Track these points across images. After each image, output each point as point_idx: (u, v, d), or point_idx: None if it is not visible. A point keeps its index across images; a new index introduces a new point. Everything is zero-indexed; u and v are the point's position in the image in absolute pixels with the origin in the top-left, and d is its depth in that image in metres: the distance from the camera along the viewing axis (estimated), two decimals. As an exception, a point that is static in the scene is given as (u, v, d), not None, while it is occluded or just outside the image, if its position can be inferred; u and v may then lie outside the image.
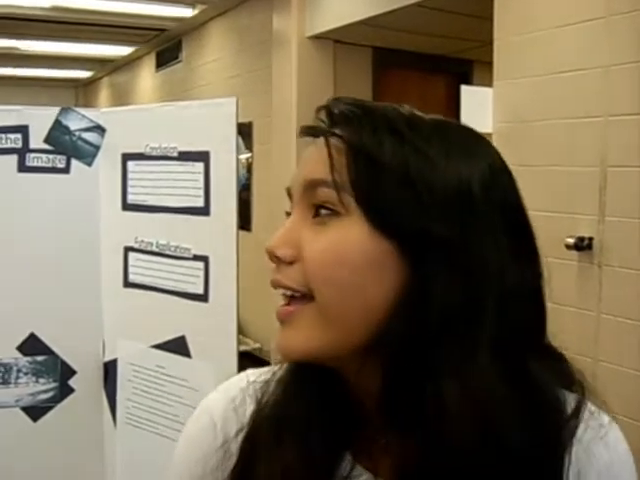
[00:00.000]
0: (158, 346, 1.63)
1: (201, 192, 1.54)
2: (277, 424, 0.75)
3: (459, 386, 0.64)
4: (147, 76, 8.74)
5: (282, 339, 0.69)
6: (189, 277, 1.57)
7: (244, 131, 6.37)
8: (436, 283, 0.65)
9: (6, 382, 1.64)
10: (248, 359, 6.22)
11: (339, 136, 0.69)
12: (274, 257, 0.70)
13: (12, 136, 1.61)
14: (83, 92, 10.99)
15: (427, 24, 4.91)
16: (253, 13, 6.08)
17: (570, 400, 0.69)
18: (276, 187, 5.67)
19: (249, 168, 6.40)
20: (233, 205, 1.51)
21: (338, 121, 0.71)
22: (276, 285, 0.70)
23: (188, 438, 0.79)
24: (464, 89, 4.51)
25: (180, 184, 1.58)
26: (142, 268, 1.66)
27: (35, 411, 1.66)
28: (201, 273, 1.56)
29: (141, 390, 1.66)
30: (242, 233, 5.46)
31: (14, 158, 1.62)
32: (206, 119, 1.54)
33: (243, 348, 6.38)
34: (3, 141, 1.61)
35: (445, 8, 4.59)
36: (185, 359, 1.59)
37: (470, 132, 0.75)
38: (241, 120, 5.03)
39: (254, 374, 0.79)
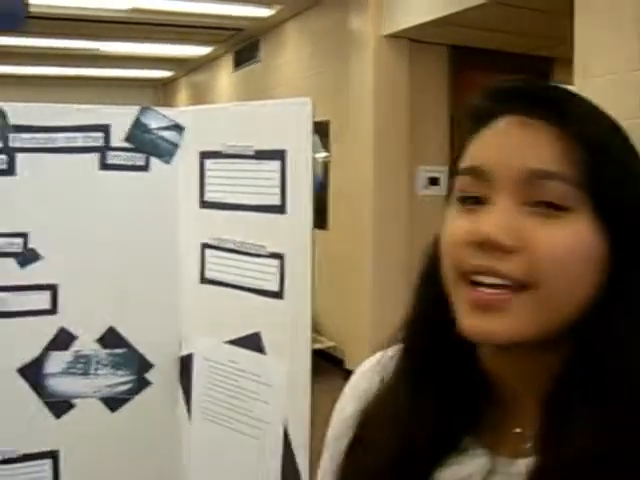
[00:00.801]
0: (232, 342, 1.65)
1: (277, 190, 1.55)
2: (388, 402, 0.80)
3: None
4: (225, 76, 8.86)
5: (489, 325, 0.68)
6: (265, 274, 1.59)
7: (320, 130, 6.40)
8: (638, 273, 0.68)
9: (86, 373, 1.68)
10: (322, 357, 6.25)
11: (571, 125, 0.67)
12: (491, 244, 0.67)
13: (93, 135, 1.65)
14: (163, 92, 11.20)
15: (504, 21, 4.84)
16: (329, 13, 6.10)
17: None
18: (354, 186, 5.69)
19: (326, 167, 6.42)
20: (309, 203, 1.52)
21: (552, 105, 0.69)
22: (493, 273, 0.68)
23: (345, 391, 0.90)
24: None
25: (256, 182, 1.59)
26: (218, 265, 1.68)
27: (113, 402, 1.70)
28: (276, 270, 1.57)
29: (215, 385, 1.68)
30: (318, 232, 5.48)
31: (96, 156, 1.66)
32: (282, 118, 1.56)
33: (317, 346, 6.40)
34: (85, 140, 1.65)
35: (523, 5, 4.52)
36: (260, 355, 1.61)
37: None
38: (318, 119, 5.06)
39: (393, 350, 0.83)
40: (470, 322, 0.69)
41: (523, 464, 0.70)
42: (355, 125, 5.65)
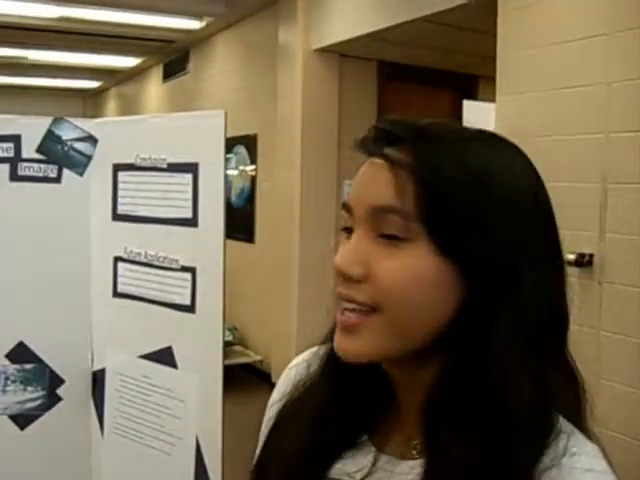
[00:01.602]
0: (145, 356, 1.64)
1: (189, 203, 1.55)
2: (305, 396, 0.89)
3: (506, 386, 0.71)
4: (154, 87, 8.80)
5: (347, 345, 0.77)
6: (177, 288, 1.58)
7: (249, 143, 6.40)
8: (492, 296, 0.73)
9: (-6, 390, 1.64)
10: (249, 371, 6.22)
11: (405, 164, 0.74)
12: (343, 274, 0.76)
13: (4, 145, 1.62)
14: (91, 102, 11.05)
15: (432, 38, 4.93)
16: (259, 26, 6.12)
17: (556, 424, 0.73)
18: (280, 199, 5.69)
19: (253, 180, 6.42)
20: (221, 217, 1.51)
21: (393, 143, 0.76)
22: (347, 300, 0.76)
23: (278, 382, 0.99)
24: (466, 104, 4.53)
25: (169, 195, 1.58)
26: (131, 278, 1.66)
27: (22, 419, 1.67)
28: (188, 284, 1.56)
29: (128, 400, 1.66)
30: (245, 245, 5.46)
31: (6, 167, 1.63)
32: (195, 131, 1.56)
33: (243, 360, 6.37)
34: (-5, 150, 1.62)
35: (451, 23, 4.60)
36: (171, 370, 1.60)
37: (506, 140, 0.82)
38: (246, 132, 5.05)
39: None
40: (336, 341, 0.79)
41: (407, 465, 0.78)
42: (283, 138, 5.67)
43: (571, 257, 2.96)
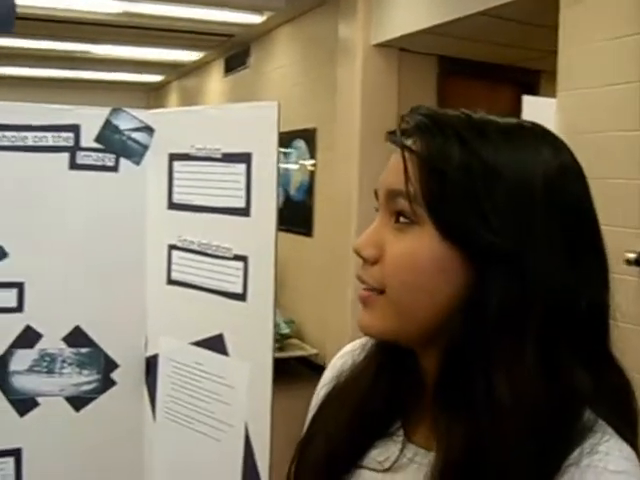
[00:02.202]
0: (197, 343, 1.66)
1: (242, 193, 1.56)
2: (349, 384, 0.93)
3: (506, 379, 0.71)
4: (215, 81, 8.89)
5: (362, 319, 0.84)
6: (229, 276, 1.60)
7: (308, 137, 6.42)
8: (494, 284, 0.74)
9: (51, 372, 1.68)
10: (305, 364, 6.24)
11: (410, 148, 0.78)
12: (359, 256, 0.82)
13: (64, 134, 1.66)
14: (154, 96, 11.22)
15: (492, 33, 4.88)
16: (319, 21, 6.13)
17: (588, 420, 0.73)
18: (339, 194, 5.70)
19: (312, 174, 6.44)
20: (273, 207, 1.53)
21: (412, 132, 0.80)
22: (359, 280, 0.83)
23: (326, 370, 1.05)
24: (526, 99, 4.47)
25: (223, 185, 1.60)
26: (184, 266, 1.69)
27: (78, 401, 1.71)
28: (240, 273, 1.58)
29: (179, 386, 1.69)
30: (303, 239, 5.51)
31: (66, 156, 1.67)
32: (249, 121, 1.57)
33: (300, 353, 6.40)
34: (56, 139, 1.66)
35: (511, 17, 4.55)
36: (222, 357, 1.62)
37: (544, 133, 0.82)
38: (305, 126, 5.11)
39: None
40: (358, 315, 0.86)
41: (430, 456, 0.80)
42: (342, 133, 5.68)
43: (631, 256, 2.91)
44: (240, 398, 1.59)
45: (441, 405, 0.77)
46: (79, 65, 8.90)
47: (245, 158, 1.56)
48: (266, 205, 1.54)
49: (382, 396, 0.88)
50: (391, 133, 0.83)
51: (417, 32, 5.00)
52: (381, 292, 0.80)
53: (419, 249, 0.76)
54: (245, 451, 1.56)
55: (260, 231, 1.55)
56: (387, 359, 0.89)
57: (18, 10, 4.14)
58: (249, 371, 1.58)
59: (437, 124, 0.78)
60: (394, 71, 5.55)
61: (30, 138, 1.64)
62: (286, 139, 6.56)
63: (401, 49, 5.51)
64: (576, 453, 0.70)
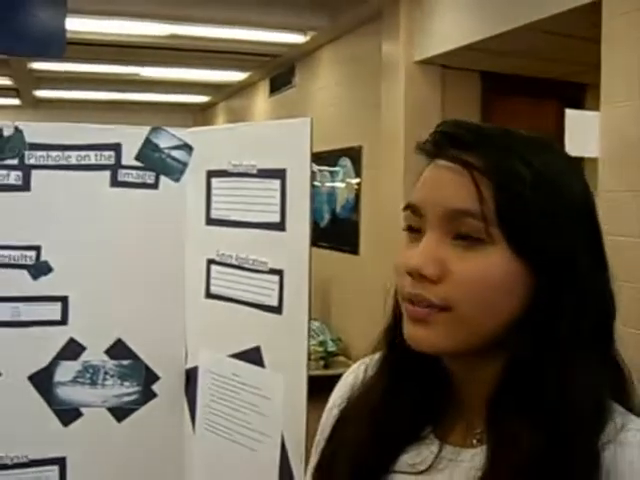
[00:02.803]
0: (235, 355, 1.70)
1: (278, 208, 1.60)
2: (366, 394, 0.93)
3: (576, 380, 0.76)
4: (261, 101, 8.98)
5: (416, 335, 0.81)
6: (265, 289, 1.64)
7: (353, 156, 6.45)
8: (560, 293, 0.77)
9: (94, 383, 1.74)
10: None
11: (481, 168, 0.77)
12: (417, 274, 0.78)
13: (106, 153, 1.72)
14: (201, 116, 11.37)
15: (535, 47, 4.86)
16: (363, 39, 6.17)
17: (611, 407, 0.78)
18: (385, 211, 5.72)
19: (358, 192, 6.47)
20: (307, 221, 1.56)
21: (467, 148, 0.79)
22: (419, 300, 0.79)
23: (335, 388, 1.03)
24: (568, 113, 4.44)
25: (258, 200, 1.64)
26: (222, 280, 1.73)
27: (120, 412, 1.75)
28: (276, 286, 1.61)
29: (218, 397, 1.73)
30: (350, 257, 5.50)
31: (107, 174, 1.73)
32: (283, 138, 1.61)
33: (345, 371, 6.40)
34: (98, 157, 1.72)
35: (555, 30, 4.53)
36: (259, 369, 1.65)
37: (553, 144, 0.86)
38: (351, 144, 5.11)
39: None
40: (407, 332, 0.82)
41: (468, 453, 0.83)
42: (387, 150, 5.70)
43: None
44: (276, 409, 1.62)
45: (509, 409, 0.79)
46: (128, 87, 9.10)
47: (280, 174, 1.60)
48: (300, 219, 1.58)
49: (408, 403, 0.89)
50: (428, 144, 0.83)
51: (459, 48, 5.00)
52: (443, 309, 0.79)
53: (492, 267, 0.77)
54: (281, 460, 1.59)
55: (295, 245, 1.59)
56: (406, 367, 0.90)
57: (68, 35, 4.26)
58: (284, 382, 1.61)
59: (489, 138, 0.80)
60: (437, 88, 5.55)
61: (73, 157, 1.71)
62: (332, 158, 6.61)
63: (444, 66, 5.52)
64: (609, 433, 0.75)
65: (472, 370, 0.84)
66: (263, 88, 8.80)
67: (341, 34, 6.42)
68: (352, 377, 1.01)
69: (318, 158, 6.59)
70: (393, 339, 0.92)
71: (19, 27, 3.62)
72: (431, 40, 5.27)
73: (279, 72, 8.09)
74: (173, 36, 6.46)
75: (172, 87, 9.22)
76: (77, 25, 5.60)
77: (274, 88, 8.39)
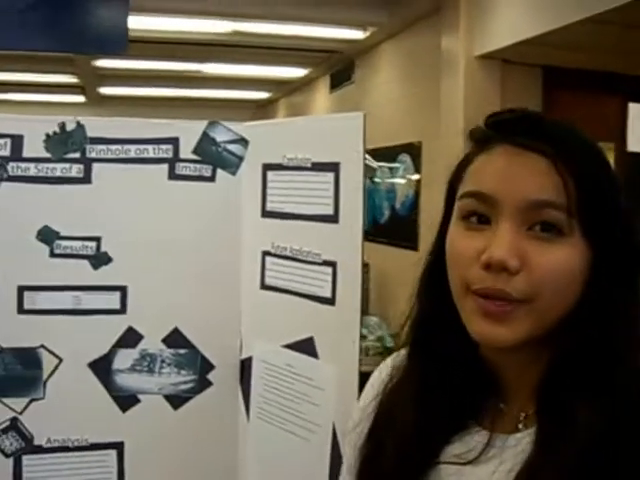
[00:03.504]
0: (289, 346, 1.72)
1: (331, 201, 1.62)
2: (402, 390, 0.93)
3: (630, 369, 0.76)
4: (322, 97, 9.00)
5: (492, 332, 0.79)
6: (318, 281, 1.66)
7: (413, 152, 6.43)
8: (618, 277, 0.79)
9: (151, 371, 1.78)
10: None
11: (566, 159, 0.77)
12: (501, 266, 0.77)
13: (164, 147, 1.77)
14: (262, 112, 11.45)
15: (598, 40, 4.77)
16: (422, 34, 6.15)
17: None
18: (442, 208, 5.68)
19: (417, 188, 6.44)
20: (359, 213, 1.58)
21: (542, 137, 0.79)
22: (500, 295, 0.78)
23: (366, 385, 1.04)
24: (631, 106, 4.36)
25: (312, 193, 1.67)
26: (277, 272, 1.76)
27: (176, 400, 1.80)
28: (329, 278, 1.63)
29: (271, 387, 1.76)
30: (408, 252, 5.50)
31: (165, 167, 1.77)
32: (337, 132, 1.63)
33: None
34: (156, 151, 1.76)
35: (619, 22, 4.44)
36: (312, 359, 1.67)
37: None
38: (410, 140, 5.09)
39: None
40: (479, 328, 0.80)
41: (514, 438, 0.83)
42: (446, 146, 5.66)
43: None
44: (328, 399, 1.64)
45: (562, 389, 0.79)
46: (190, 84, 9.21)
47: (333, 167, 1.62)
48: (353, 212, 1.59)
49: (448, 394, 0.89)
50: (494, 130, 0.82)
51: (520, 42, 4.93)
52: (520, 302, 0.78)
53: (573, 259, 0.78)
54: (332, 450, 1.61)
55: (348, 237, 1.60)
56: (445, 359, 0.89)
57: (130, 33, 4.35)
58: (337, 373, 1.62)
59: (567, 131, 0.82)
60: (497, 83, 5.49)
61: (133, 151, 1.75)
62: (391, 154, 6.59)
63: (504, 60, 5.45)
64: None
65: (520, 357, 0.84)
66: (323, 84, 8.82)
67: (400, 29, 6.39)
68: (384, 373, 1.00)
69: (378, 154, 6.59)
70: (427, 332, 0.92)
71: (82, 26, 3.72)
72: (491, 34, 5.22)
73: (339, 68, 8.10)
74: (234, 33, 6.52)
75: (233, 83, 9.31)
76: (139, 23, 5.70)
77: (334, 84, 8.40)
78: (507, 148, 0.80)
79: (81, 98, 9.96)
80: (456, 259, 0.83)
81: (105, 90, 9.48)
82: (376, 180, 6.77)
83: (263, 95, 10.50)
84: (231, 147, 1.80)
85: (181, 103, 10.19)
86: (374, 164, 6.79)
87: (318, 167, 1.65)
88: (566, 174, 0.77)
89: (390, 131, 6.47)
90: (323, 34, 6.70)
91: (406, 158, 6.64)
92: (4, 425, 1.72)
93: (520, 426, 0.84)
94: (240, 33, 6.55)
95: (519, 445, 0.81)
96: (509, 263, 0.76)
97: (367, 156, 5.52)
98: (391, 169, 6.86)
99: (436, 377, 0.90)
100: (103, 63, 7.51)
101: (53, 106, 9.95)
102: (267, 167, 1.77)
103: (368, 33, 6.58)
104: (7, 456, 1.73)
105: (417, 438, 0.89)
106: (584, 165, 0.79)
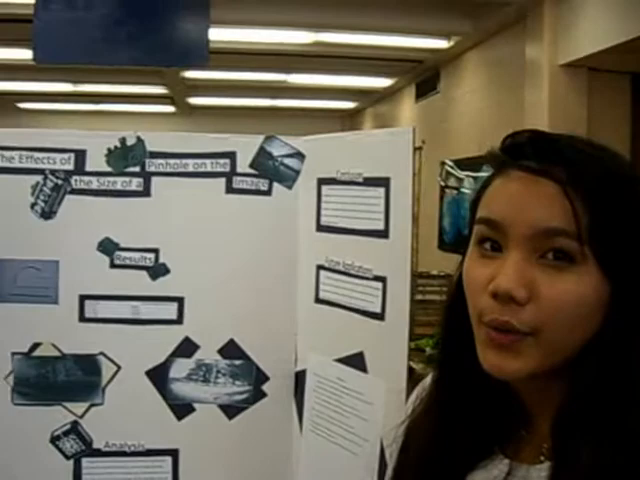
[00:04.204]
0: (340, 360, 1.73)
1: (381, 216, 1.62)
2: (432, 411, 0.92)
3: None
4: (407, 106, 8.98)
5: (498, 362, 0.78)
6: (369, 296, 1.66)
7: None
8: (635, 317, 0.75)
9: (207, 380, 1.82)
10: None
11: (576, 185, 0.74)
12: (508, 297, 0.75)
13: (221, 161, 1.80)
14: (349, 122, 11.50)
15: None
16: (506, 43, 6.07)
17: None
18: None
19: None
20: (408, 229, 1.58)
21: (551, 162, 0.76)
22: (506, 327, 0.76)
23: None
24: None
25: (364, 208, 1.67)
26: (331, 286, 1.77)
27: (230, 410, 1.83)
28: (379, 293, 1.63)
29: (323, 400, 1.77)
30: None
31: (222, 181, 1.81)
32: (387, 146, 1.63)
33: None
34: (214, 165, 1.80)
35: None
36: (362, 374, 1.67)
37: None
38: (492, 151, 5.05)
39: None
40: (488, 358, 0.79)
41: (535, 470, 0.81)
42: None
43: None
44: (377, 414, 1.63)
45: (574, 425, 0.76)
46: (276, 94, 9.34)
47: (384, 182, 1.62)
48: (403, 227, 1.59)
49: (473, 421, 0.88)
50: (507, 155, 0.81)
51: (607, 49, 4.81)
52: (528, 334, 0.76)
53: (585, 289, 0.74)
54: (380, 466, 1.60)
55: (397, 252, 1.60)
56: (472, 386, 0.88)
57: (216, 45, 4.46)
58: (385, 389, 1.62)
59: (579, 153, 0.78)
60: (583, 92, 5.37)
61: (191, 165, 1.80)
62: (476, 164, 6.53)
63: (590, 68, 5.33)
64: None
65: (543, 388, 0.83)
66: (409, 94, 8.80)
67: (484, 38, 6.33)
68: (421, 388, 1.01)
69: (463, 164, 6.54)
70: (454, 358, 0.90)
71: (164, 40, 3.83)
72: (577, 42, 5.11)
73: (424, 78, 8.07)
74: (318, 43, 6.58)
75: (319, 93, 9.40)
76: (225, 35, 5.82)
77: (420, 94, 8.37)
78: (519, 173, 0.78)
79: (171, 108, 10.22)
80: (469, 287, 0.82)
81: (194, 100, 9.71)
82: (463, 190, 6.71)
83: (349, 105, 10.55)
84: (288, 161, 1.82)
85: (269, 113, 10.35)
86: (460, 174, 6.73)
87: (369, 182, 1.66)
88: (576, 199, 0.74)
89: (475, 141, 6.41)
90: (407, 44, 6.69)
91: (490, 168, 6.56)
92: (65, 428, 1.78)
93: (542, 457, 0.82)
94: (323, 43, 6.61)
95: (539, 478, 0.80)
96: (515, 293, 0.74)
97: (452, 165, 5.55)
98: (476, 179, 6.78)
99: (461, 402, 0.89)
100: (191, 74, 7.69)
101: (145, 116, 10.26)
102: (322, 181, 1.78)
103: (452, 42, 6.54)
104: (68, 458, 1.79)
105: (441, 464, 0.88)
106: (597, 189, 0.75)
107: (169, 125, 10.14)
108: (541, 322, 0.75)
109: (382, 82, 8.72)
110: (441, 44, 6.67)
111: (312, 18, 5.88)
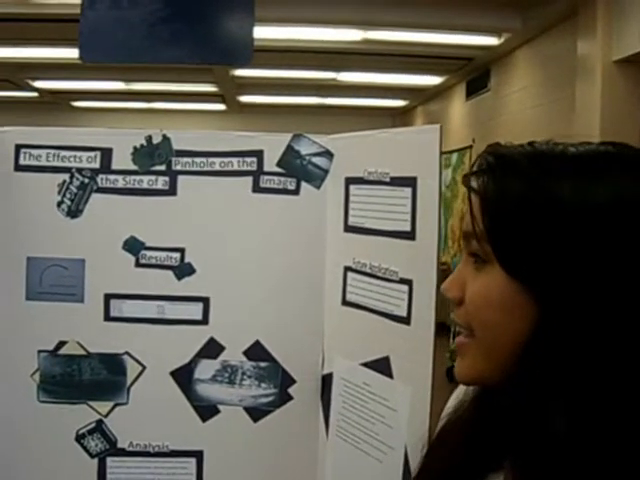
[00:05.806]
0: (366, 364, 1.69)
1: (408, 217, 1.58)
2: (461, 417, 0.92)
3: (580, 412, 0.70)
4: (458, 105, 8.89)
5: (456, 367, 0.84)
6: (394, 299, 1.61)
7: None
8: (559, 321, 0.72)
9: (232, 382, 1.79)
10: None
11: (473, 189, 0.79)
12: (448, 299, 0.82)
13: (248, 159, 1.77)
14: (400, 120, 11.43)
15: None
16: (558, 40, 5.94)
17: None
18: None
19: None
20: (435, 230, 1.52)
21: (481, 173, 0.80)
22: (454, 323, 0.82)
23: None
24: None
25: (390, 208, 1.63)
26: (357, 288, 1.73)
27: (256, 412, 1.80)
28: (405, 296, 1.59)
29: (349, 405, 1.73)
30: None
31: (249, 179, 1.78)
32: (414, 145, 1.58)
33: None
34: (241, 164, 1.78)
35: None
36: (388, 379, 1.63)
37: (632, 160, 0.77)
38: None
39: None
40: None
41: None
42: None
43: None
44: (401, 421, 1.59)
45: (518, 442, 0.77)
46: (326, 92, 9.31)
47: (411, 182, 1.57)
48: (429, 229, 1.54)
49: (488, 432, 0.86)
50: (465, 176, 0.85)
51: (663, 46, 4.68)
52: (470, 335, 0.80)
53: (490, 287, 0.76)
54: (404, 474, 1.56)
55: (424, 255, 1.55)
56: (491, 396, 0.86)
57: (264, 43, 4.45)
58: (411, 395, 1.58)
59: (499, 161, 0.78)
60: (637, 89, 5.23)
61: (217, 163, 1.77)
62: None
63: (646, 64, 5.19)
64: None
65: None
66: (459, 92, 8.70)
67: (535, 35, 6.21)
68: (459, 391, 1.00)
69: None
70: None
71: (209, 38, 3.81)
72: (631, 37, 4.97)
73: (474, 76, 7.97)
74: (367, 41, 6.55)
75: (369, 91, 9.35)
76: (274, 32, 5.82)
77: (470, 92, 8.27)
78: None
79: (222, 106, 10.27)
80: None
81: (244, 98, 9.74)
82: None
83: (400, 103, 10.49)
84: (316, 160, 1.78)
85: (319, 111, 10.34)
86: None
87: (396, 182, 1.61)
88: (475, 202, 0.78)
89: (525, 139, 6.27)
90: (457, 41, 6.62)
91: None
92: (90, 427, 1.78)
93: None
94: (372, 41, 6.57)
95: None
96: (447, 294, 0.82)
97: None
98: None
99: (479, 414, 0.89)
100: (241, 72, 7.72)
101: (195, 114, 10.34)
102: (349, 181, 1.74)
103: (503, 39, 6.44)
104: (92, 456, 1.78)
105: (452, 474, 0.89)
106: (491, 190, 0.76)
107: (219, 123, 10.19)
108: (469, 320, 0.79)
109: (432, 80, 8.65)
110: (491, 41, 6.58)
111: (361, 15, 5.84)
